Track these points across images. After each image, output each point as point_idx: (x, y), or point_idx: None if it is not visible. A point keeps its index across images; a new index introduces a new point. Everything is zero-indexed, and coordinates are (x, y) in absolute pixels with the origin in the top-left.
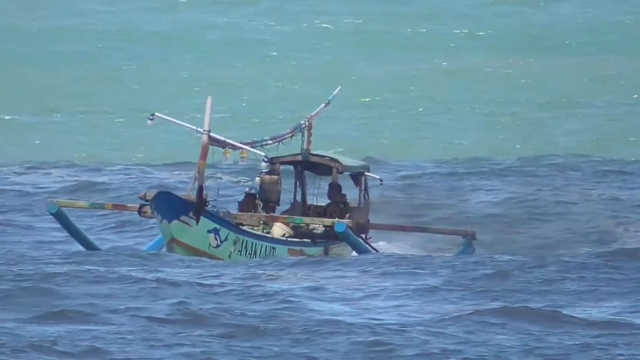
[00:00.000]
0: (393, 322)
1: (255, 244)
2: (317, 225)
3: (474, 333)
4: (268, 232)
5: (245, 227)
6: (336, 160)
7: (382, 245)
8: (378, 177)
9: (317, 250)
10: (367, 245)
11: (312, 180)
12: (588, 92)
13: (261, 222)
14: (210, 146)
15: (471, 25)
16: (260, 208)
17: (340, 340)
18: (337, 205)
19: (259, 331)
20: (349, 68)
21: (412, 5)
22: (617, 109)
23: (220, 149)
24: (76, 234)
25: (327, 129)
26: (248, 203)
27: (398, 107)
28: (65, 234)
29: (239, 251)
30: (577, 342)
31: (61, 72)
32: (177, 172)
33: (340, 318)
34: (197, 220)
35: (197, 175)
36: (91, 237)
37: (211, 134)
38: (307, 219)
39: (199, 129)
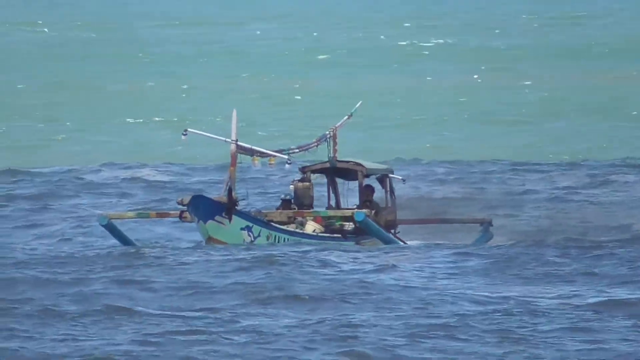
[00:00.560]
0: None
1: (288, 239)
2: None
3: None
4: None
5: (277, 225)
6: (360, 165)
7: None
8: (401, 177)
9: (347, 245)
10: (388, 233)
11: (342, 186)
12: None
13: (295, 220)
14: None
15: None
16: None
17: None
18: (364, 204)
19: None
20: None
21: None
22: None
23: (249, 156)
24: (128, 244)
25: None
26: (284, 207)
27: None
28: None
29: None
30: None
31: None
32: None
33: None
34: (230, 219)
35: (228, 180)
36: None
37: (239, 142)
38: (330, 211)
39: (227, 139)
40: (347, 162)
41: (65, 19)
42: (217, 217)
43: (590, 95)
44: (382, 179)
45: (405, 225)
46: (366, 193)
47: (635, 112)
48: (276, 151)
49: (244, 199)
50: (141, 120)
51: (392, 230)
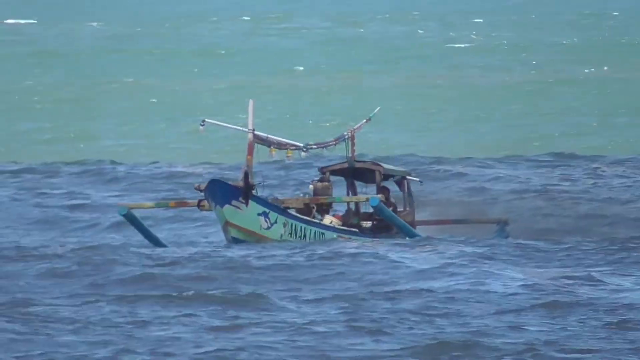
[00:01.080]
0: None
1: (305, 228)
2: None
3: None
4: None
5: (294, 213)
6: (378, 164)
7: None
8: (418, 179)
9: (365, 239)
10: (402, 220)
11: (360, 188)
12: None
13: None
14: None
15: None
16: (314, 211)
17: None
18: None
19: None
20: None
21: None
22: None
23: (267, 147)
24: (147, 234)
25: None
26: (304, 207)
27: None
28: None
29: (289, 233)
30: None
31: None
32: None
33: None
34: (247, 204)
35: (245, 168)
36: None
37: (255, 132)
38: (345, 197)
39: (244, 129)
40: (365, 162)
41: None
42: (234, 202)
43: None
44: (400, 181)
45: (423, 225)
46: (383, 193)
47: None
48: (294, 145)
49: (260, 183)
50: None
51: None
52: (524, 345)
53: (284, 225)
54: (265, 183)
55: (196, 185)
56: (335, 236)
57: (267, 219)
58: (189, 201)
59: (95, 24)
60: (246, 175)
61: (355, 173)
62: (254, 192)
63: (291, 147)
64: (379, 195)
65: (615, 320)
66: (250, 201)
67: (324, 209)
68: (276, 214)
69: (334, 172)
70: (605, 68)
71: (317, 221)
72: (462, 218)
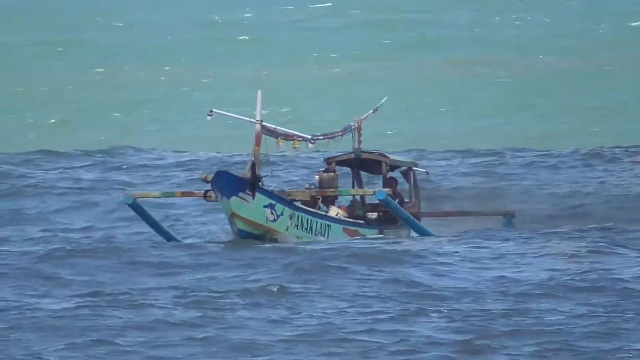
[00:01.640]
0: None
1: (311, 220)
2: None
3: None
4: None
5: (300, 205)
6: (384, 155)
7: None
8: (425, 170)
9: (371, 231)
10: (409, 214)
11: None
12: None
13: (319, 208)
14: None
15: None
16: (320, 202)
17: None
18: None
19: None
20: None
21: None
22: None
23: (274, 138)
24: (152, 223)
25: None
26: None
27: None
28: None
29: (295, 225)
30: None
31: None
32: None
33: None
34: (253, 196)
35: (252, 159)
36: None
37: (263, 123)
38: (351, 190)
39: (252, 120)
40: (372, 152)
41: None
42: (240, 194)
43: None
44: (407, 172)
45: (428, 217)
46: (390, 184)
47: None
48: (301, 136)
49: (267, 175)
50: None
51: None
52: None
53: (290, 217)
54: (272, 175)
55: (203, 176)
56: (341, 228)
57: (273, 211)
58: (195, 192)
59: None
60: (253, 166)
61: (362, 164)
62: (260, 184)
63: (298, 139)
64: (386, 189)
65: None
66: (256, 193)
67: (330, 200)
68: (282, 206)
69: (340, 163)
70: None
71: (323, 213)
72: (468, 210)
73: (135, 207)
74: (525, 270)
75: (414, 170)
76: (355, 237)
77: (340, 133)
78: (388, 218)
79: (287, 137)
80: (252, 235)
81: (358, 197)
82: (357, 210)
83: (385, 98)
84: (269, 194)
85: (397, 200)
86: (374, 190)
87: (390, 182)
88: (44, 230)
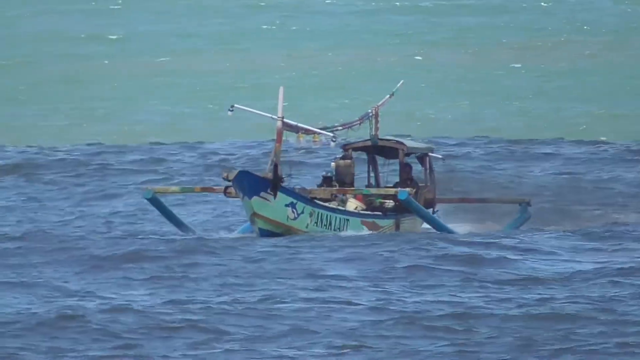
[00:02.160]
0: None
1: (330, 216)
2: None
3: None
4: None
5: (319, 201)
6: (402, 143)
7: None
8: (441, 156)
9: (388, 222)
10: (428, 212)
11: (382, 165)
12: None
13: (336, 197)
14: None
15: None
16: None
17: None
18: (405, 182)
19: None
20: None
21: None
22: None
23: (294, 133)
24: (171, 217)
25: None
26: (325, 184)
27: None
28: None
29: (315, 222)
30: None
31: None
32: None
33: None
34: (275, 196)
35: (273, 157)
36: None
37: (285, 119)
38: (372, 190)
39: (273, 116)
40: (389, 140)
41: None
42: (262, 194)
43: None
44: (422, 157)
45: (444, 204)
46: (406, 171)
47: None
48: (320, 129)
49: (289, 175)
50: None
51: (431, 209)
52: None
53: (310, 214)
54: (293, 175)
55: (224, 174)
56: (359, 221)
57: (294, 210)
58: (215, 188)
59: None
60: (275, 166)
61: (378, 149)
62: (282, 183)
63: (319, 134)
64: (408, 189)
65: None
66: (278, 192)
67: (346, 186)
68: (303, 204)
69: (357, 150)
70: None
71: (342, 208)
72: (483, 197)
73: (155, 201)
74: None
75: (429, 156)
76: (372, 229)
77: (359, 121)
78: (403, 207)
79: (308, 132)
80: (272, 234)
81: (372, 182)
82: (373, 201)
83: (402, 82)
84: (290, 192)
85: (414, 189)
86: (396, 190)
87: (405, 169)
88: None
